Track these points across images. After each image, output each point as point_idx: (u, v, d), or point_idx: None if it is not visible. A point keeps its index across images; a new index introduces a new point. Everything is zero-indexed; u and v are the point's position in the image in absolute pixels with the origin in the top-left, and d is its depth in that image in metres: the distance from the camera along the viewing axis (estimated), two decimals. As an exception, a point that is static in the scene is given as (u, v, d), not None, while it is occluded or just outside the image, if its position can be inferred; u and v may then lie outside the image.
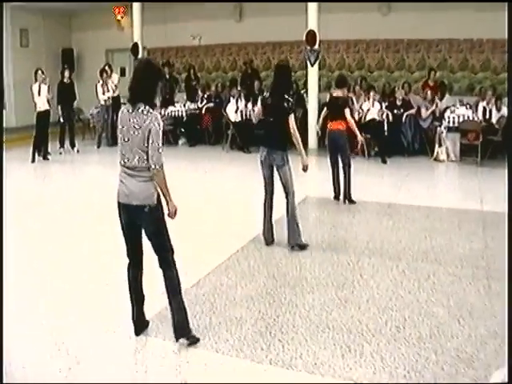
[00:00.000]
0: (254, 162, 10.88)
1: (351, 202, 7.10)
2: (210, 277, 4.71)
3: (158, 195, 3.43)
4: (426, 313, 3.97)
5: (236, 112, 11.57)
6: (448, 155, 10.19)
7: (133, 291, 3.65)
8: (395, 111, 10.77)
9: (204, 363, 3.35)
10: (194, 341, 3.53)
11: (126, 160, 3.40)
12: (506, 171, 6.54)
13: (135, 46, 12.51)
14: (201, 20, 13.83)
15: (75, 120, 11.94)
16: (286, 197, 5.32)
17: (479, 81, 12.04)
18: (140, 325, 3.68)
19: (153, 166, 3.31)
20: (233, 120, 11.52)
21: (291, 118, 5.18)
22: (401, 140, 10.81)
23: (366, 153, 10.33)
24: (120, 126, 3.42)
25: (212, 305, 4.15)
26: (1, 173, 5.62)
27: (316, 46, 11.32)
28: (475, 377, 3.16)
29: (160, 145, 3.34)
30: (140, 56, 12.45)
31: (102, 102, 11.74)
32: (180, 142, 12.63)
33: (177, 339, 3.53)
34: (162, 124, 3.36)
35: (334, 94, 7.26)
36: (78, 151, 11.26)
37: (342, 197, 7.19)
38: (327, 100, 7.84)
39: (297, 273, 4.80)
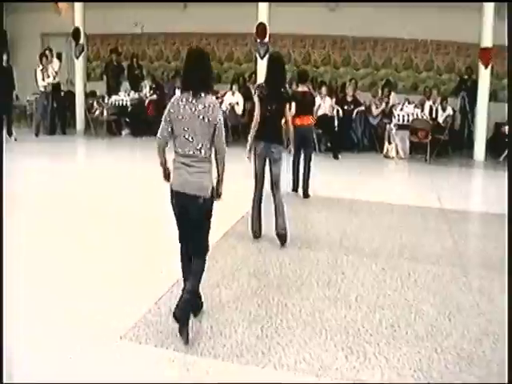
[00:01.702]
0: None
1: (307, 195, 7.18)
2: (188, 276, 4.49)
3: (213, 188, 3.49)
4: (417, 311, 3.97)
5: (182, 103, 11.25)
6: (397, 152, 10.44)
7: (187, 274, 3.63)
8: (345, 107, 10.90)
9: (205, 371, 3.15)
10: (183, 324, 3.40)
11: (186, 149, 3.41)
12: (506, 171, 6.73)
13: (77, 30, 11.86)
14: (144, 7, 13.31)
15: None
16: (274, 190, 5.26)
17: (423, 80, 12.45)
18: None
19: (221, 155, 3.47)
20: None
21: (287, 108, 5.29)
22: (351, 136, 10.97)
23: (317, 148, 10.37)
24: (179, 116, 3.39)
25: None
26: (1, 173, 5.28)
27: (266, 39, 11.23)
28: (479, 374, 3.18)
29: (224, 134, 3.46)
30: (82, 41, 11.83)
31: (42, 89, 11.06)
32: (123, 132, 12.15)
33: (176, 319, 3.40)
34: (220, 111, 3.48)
35: (300, 89, 7.20)
36: (15, 139, 10.53)
37: (300, 190, 7.21)
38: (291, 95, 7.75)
39: (278, 272, 4.67)
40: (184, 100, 3.39)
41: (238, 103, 11.20)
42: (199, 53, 3.53)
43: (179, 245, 3.68)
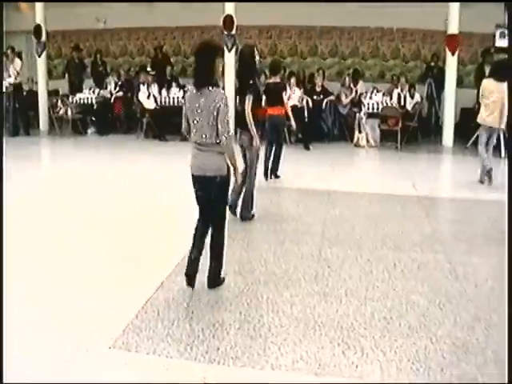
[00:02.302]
0: (172, 151, 10.73)
1: (277, 176, 7.48)
2: (172, 278, 4.36)
3: (228, 167, 3.87)
4: (407, 302, 3.96)
5: (148, 98, 11.04)
6: (368, 141, 10.50)
7: (196, 246, 4.04)
8: (315, 97, 10.88)
9: (202, 376, 3.05)
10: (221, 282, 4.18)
11: (198, 138, 3.80)
12: (507, 170, 6.81)
13: (38, 27, 11.46)
14: (106, 2, 12.97)
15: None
16: (247, 176, 5.55)
17: (390, 68, 12.53)
18: (192, 279, 4.06)
19: (223, 139, 3.70)
20: (147, 107, 10.98)
21: (247, 99, 5.42)
22: (321, 126, 10.96)
23: (288, 139, 10.32)
24: (190, 109, 3.81)
25: (186, 309, 3.84)
26: (1, 172, 5.03)
27: (233, 32, 11.09)
28: (476, 362, 3.18)
29: (227, 119, 3.70)
30: (43, 39, 11.45)
31: (4, 89, 10.64)
32: (89, 131, 11.85)
33: (209, 287, 4.08)
34: (227, 99, 3.73)
35: (272, 81, 7.15)
36: (-24, 143, 10.11)
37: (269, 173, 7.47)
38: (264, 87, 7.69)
39: (263, 268, 4.59)
40: (193, 93, 3.80)
41: (206, 97, 11.02)
42: (203, 46, 3.86)
43: (196, 221, 4.07)
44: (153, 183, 7.60)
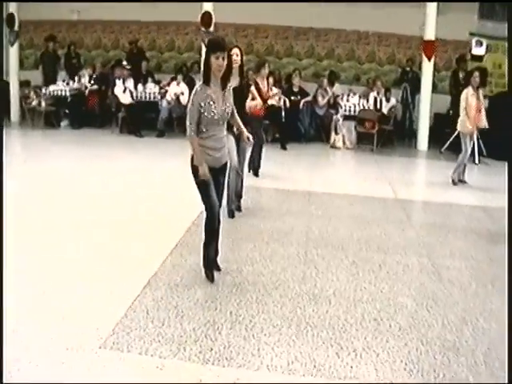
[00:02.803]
0: (149, 147, 10.58)
1: (257, 175, 7.66)
2: (159, 276, 4.30)
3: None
4: (395, 303, 4.00)
5: (124, 93, 10.85)
6: (344, 143, 10.58)
7: (214, 240, 4.31)
8: (292, 98, 10.91)
9: (198, 378, 3.01)
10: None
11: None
12: (506, 170, 6.92)
13: (11, 16, 11.12)
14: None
15: None
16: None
17: (365, 71, 12.66)
18: (211, 270, 4.30)
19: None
20: (123, 102, 10.80)
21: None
22: (298, 126, 11.00)
23: (265, 138, 10.31)
24: None
25: (176, 308, 3.78)
26: (1, 172, 4.82)
27: (211, 28, 11.01)
28: (467, 363, 3.23)
29: (188, 113, 3.94)
30: (16, 28, 11.11)
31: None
32: (62, 124, 11.57)
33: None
34: (192, 96, 3.91)
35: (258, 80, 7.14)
36: None
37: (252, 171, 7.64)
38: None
39: (251, 268, 4.56)
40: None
41: (182, 93, 10.92)
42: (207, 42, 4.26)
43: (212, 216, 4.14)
44: (132, 180, 7.46)
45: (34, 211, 5.88)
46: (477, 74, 7.52)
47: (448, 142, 10.16)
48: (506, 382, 2.41)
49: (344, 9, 11.58)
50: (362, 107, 10.57)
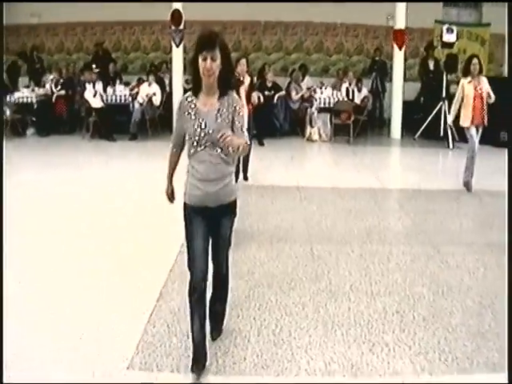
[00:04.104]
0: (123, 151, 10.35)
1: (246, 179, 7.31)
2: (169, 286, 4.18)
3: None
4: (412, 294, 4.05)
5: (95, 96, 10.59)
6: (320, 135, 10.64)
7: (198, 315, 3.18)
8: (266, 93, 10.87)
9: (239, 390, 2.96)
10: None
11: None
12: (507, 167, 6.92)
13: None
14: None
15: None
16: None
17: (334, 63, 12.74)
18: (197, 358, 3.07)
19: None
20: (94, 106, 10.54)
21: None
22: (273, 121, 10.99)
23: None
24: None
25: (197, 318, 3.71)
26: (1, 172, 4.48)
27: (181, 27, 10.86)
28: (496, 347, 3.30)
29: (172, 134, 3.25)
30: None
31: None
32: (28, 132, 11.17)
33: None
34: (176, 109, 3.12)
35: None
36: None
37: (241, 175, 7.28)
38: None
39: (262, 270, 4.52)
40: None
41: (155, 94, 10.74)
42: None
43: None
44: (113, 188, 7.22)
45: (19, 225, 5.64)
46: (476, 61, 6.74)
47: (421, 129, 10.37)
48: (507, 382, 2.46)
49: (311, 1, 11.62)
50: (335, 99, 10.63)
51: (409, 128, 11.03)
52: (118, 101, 10.97)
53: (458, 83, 9.78)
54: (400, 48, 10.53)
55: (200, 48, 2.84)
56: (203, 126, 2.91)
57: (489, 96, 6.69)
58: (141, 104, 10.70)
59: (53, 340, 3.38)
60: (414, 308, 3.83)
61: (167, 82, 11.74)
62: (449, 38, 9.29)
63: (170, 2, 10.70)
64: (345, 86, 10.99)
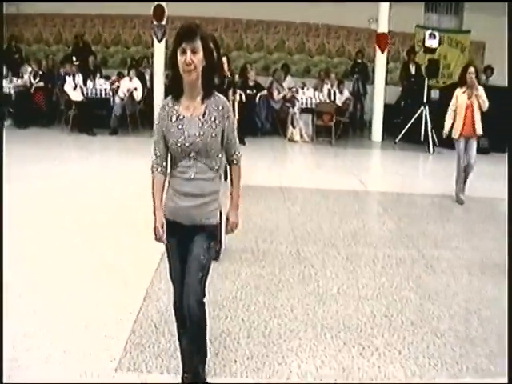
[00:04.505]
0: (103, 146, 10.17)
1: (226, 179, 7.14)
2: (156, 285, 4.12)
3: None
4: (400, 298, 4.06)
5: (75, 90, 10.40)
6: (301, 136, 10.65)
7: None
8: (248, 92, 10.84)
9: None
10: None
11: None
12: (506, 166, 6.92)
13: None
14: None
15: None
16: None
17: (315, 64, 12.77)
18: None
19: None
20: (74, 99, 10.34)
21: None
22: (255, 120, 10.96)
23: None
24: None
25: (185, 319, 3.65)
26: (1, 173, 4.31)
27: (163, 22, 10.74)
28: (484, 353, 3.34)
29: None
30: None
31: None
32: (6, 123, 10.90)
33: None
34: (156, 114, 2.70)
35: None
36: None
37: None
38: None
39: (249, 270, 4.49)
40: None
41: (136, 89, 10.60)
42: None
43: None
44: (94, 184, 7.09)
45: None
46: (472, 69, 6.37)
47: (402, 133, 10.47)
48: (506, 382, 2.49)
49: (294, 1, 11.62)
50: (318, 100, 10.66)
51: (389, 131, 11.14)
52: (99, 95, 10.80)
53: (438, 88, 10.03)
54: (382, 51, 10.62)
55: (178, 40, 2.43)
56: (186, 134, 2.52)
57: (483, 104, 6.41)
58: (122, 99, 10.54)
59: (40, 341, 3.29)
60: (401, 312, 3.85)
61: (148, 77, 11.61)
62: (431, 43, 9.40)
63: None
64: (326, 87, 11.03)
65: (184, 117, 2.55)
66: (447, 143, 9.84)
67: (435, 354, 3.32)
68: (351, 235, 5.42)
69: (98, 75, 11.26)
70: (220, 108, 2.56)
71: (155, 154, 2.64)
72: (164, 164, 2.66)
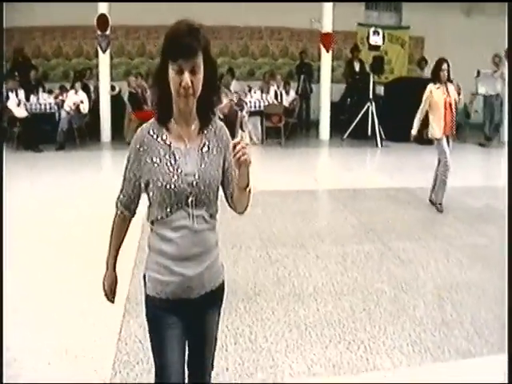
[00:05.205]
0: (50, 162, 9.82)
1: None
2: (133, 299, 4.04)
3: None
4: (375, 291, 4.18)
5: (19, 106, 10.05)
6: (251, 138, 10.73)
7: None
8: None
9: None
10: None
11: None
12: (507, 166, 7.04)
13: None
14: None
15: None
16: None
17: (259, 66, 12.89)
18: None
19: None
20: (18, 116, 9.98)
21: None
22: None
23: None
24: None
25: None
26: (1, 174, 4.01)
27: (107, 32, 10.54)
28: (462, 335, 3.51)
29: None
30: None
31: None
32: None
33: None
34: (132, 143, 1.94)
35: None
36: None
37: None
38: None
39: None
40: None
41: (82, 102, 10.36)
42: None
43: None
44: (50, 201, 6.87)
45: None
46: (445, 66, 6.04)
47: (349, 130, 10.76)
48: (506, 381, 2.63)
49: (236, 5, 11.67)
50: (265, 102, 10.77)
51: (336, 129, 11.40)
52: (43, 109, 10.46)
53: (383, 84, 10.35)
54: (327, 50, 10.86)
55: (172, 54, 1.76)
56: (182, 174, 1.88)
57: (457, 102, 6.26)
58: (68, 113, 10.26)
59: (21, 371, 3.19)
60: (378, 304, 3.98)
61: (92, 88, 11.36)
62: (376, 40, 9.70)
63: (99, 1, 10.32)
64: (273, 89, 11.16)
65: (177, 149, 1.90)
66: (393, 136, 10.28)
67: (417, 341, 3.46)
68: (317, 234, 5.53)
69: (41, 89, 10.91)
70: (222, 137, 2.03)
71: (122, 193, 2.01)
72: (132, 207, 2.03)
